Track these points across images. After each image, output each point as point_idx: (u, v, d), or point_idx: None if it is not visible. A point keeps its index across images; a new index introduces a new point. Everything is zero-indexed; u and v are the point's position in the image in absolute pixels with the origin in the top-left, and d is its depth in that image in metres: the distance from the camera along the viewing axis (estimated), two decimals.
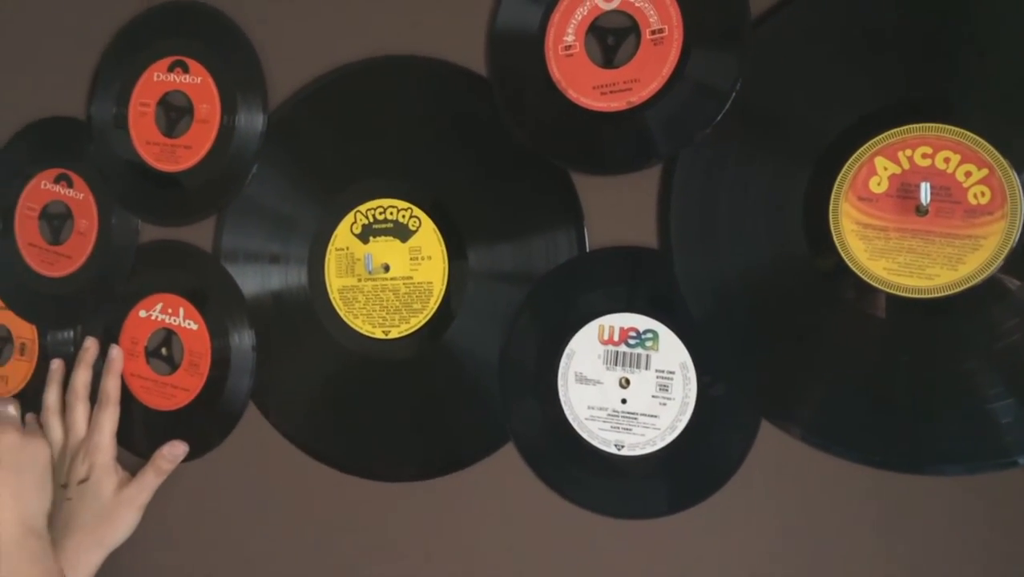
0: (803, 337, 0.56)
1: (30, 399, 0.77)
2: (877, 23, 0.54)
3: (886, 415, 0.54)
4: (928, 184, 0.52)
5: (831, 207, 0.54)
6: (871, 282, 0.53)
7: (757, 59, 0.57)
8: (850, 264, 0.54)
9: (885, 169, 0.53)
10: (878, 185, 0.53)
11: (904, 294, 0.53)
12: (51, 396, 0.75)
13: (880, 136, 0.53)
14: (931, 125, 0.52)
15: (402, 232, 0.66)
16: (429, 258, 0.65)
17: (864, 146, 0.54)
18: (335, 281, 0.68)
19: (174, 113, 0.73)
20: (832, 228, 0.54)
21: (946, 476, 0.54)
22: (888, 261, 0.53)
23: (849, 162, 0.54)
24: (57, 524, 0.69)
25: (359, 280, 0.67)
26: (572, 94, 0.61)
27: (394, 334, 0.66)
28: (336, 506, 0.69)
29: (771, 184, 0.56)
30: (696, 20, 0.58)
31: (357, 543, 0.68)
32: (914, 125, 0.53)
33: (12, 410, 0.73)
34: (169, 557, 0.74)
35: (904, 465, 0.55)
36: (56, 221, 0.78)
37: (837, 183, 0.54)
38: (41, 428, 0.74)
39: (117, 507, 0.70)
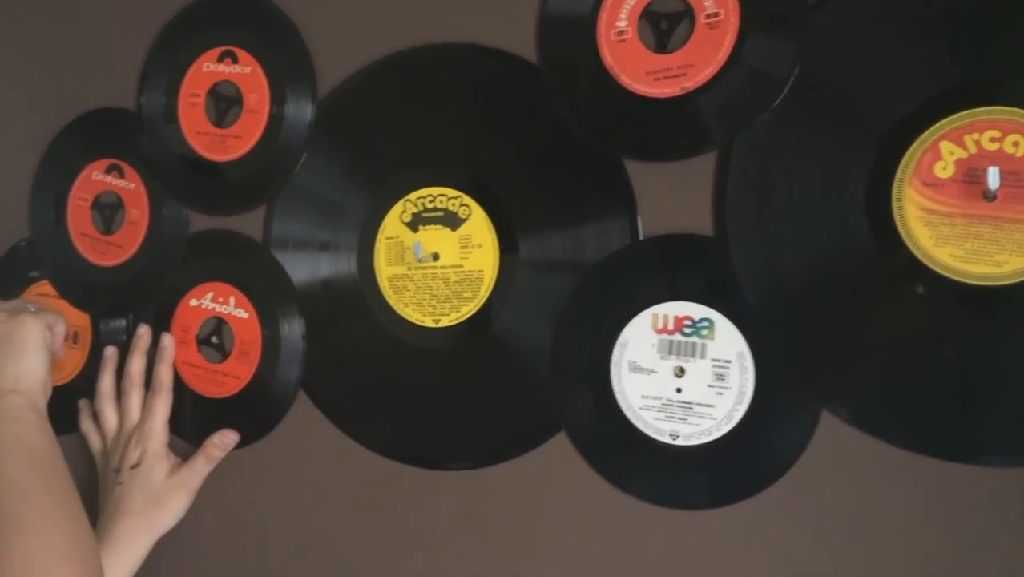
0: (865, 326, 0.55)
1: (83, 387, 0.78)
2: (942, 1, 0.53)
3: (948, 403, 0.53)
4: (997, 169, 0.50)
5: (894, 193, 0.53)
6: (937, 269, 0.52)
7: (816, 42, 0.55)
8: (914, 251, 0.52)
9: (951, 154, 0.52)
10: (943, 170, 0.52)
11: (971, 281, 0.51)
12: (105, 382, 0.76)
13: (945, 120, 0.52)
14: (999, 108, 0.51)
15: (452, 220, 0.66)
16: (480, 247, 0.65)
17: (929, 130, 0.52)
18: (385, 269, 0.68)
19: (223, 103, 0.73)
20: (896, 215, 0.53)
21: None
22: (954, 248, 0.52)
23: (913, 147, 0.53)
24: (108, 508, 0.70)
25: (409, 268, 0.67)
26: (625, 80, 0.60)
27: (444, 323, 0.66)
28: (387, 495, 0.69)
29: (832, 170, 0.55)
30: (752, 3, 0.57)
31: (407, 532, 0.68)
32: (981, 108, 0.51)
33: (30, 307, 0.73)
34: (219, 543, 0.74)
35: (951, 455, 0.53)
36: (108, 211, 0.79)
37: (900, 169, 0.53)
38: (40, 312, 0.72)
39: (168, 492, 0.71)
